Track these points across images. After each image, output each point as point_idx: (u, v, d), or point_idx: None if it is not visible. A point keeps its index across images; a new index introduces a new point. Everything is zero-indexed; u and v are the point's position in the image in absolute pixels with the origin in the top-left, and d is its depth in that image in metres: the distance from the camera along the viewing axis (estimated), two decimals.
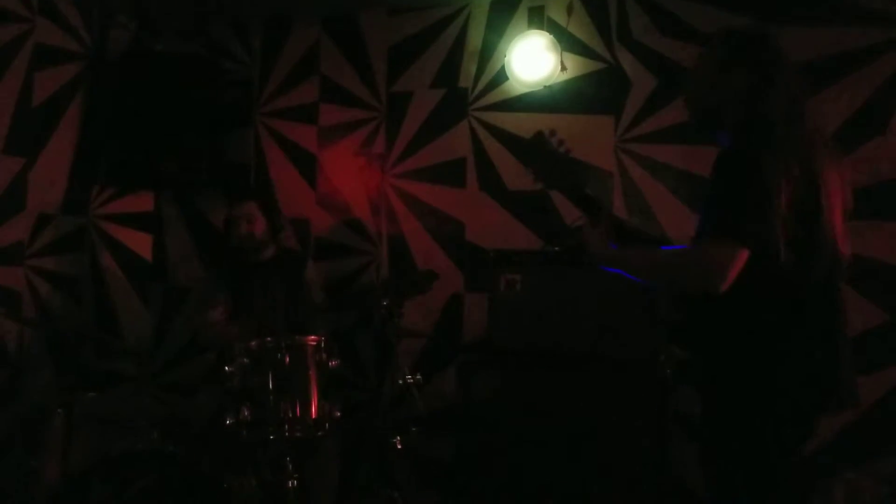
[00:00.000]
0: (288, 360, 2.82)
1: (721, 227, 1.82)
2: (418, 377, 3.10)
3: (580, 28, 3.71)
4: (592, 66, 3.69)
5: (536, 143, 2.18)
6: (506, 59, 3.71)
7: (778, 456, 1.93)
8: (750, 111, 1.95)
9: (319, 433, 2.83)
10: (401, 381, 3.09)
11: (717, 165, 1.89)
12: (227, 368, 2.81)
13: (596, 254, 2.08)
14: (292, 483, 2.79)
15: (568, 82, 3.69)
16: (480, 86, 3.89)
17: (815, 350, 1.92)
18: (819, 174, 1.91)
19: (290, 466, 2.79)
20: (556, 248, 3.29)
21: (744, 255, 1.79)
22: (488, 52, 3.88)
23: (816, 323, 1.93)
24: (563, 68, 3.65)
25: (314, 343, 2.91)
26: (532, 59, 3.65)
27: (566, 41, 3.68)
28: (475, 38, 3.91)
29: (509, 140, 3.80)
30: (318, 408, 2.82)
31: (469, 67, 3.91)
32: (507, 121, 3.82)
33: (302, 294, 3.58)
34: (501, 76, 3.81)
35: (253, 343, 2.85)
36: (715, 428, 2.01)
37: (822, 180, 1.91)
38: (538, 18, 3.75)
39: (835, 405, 1.98)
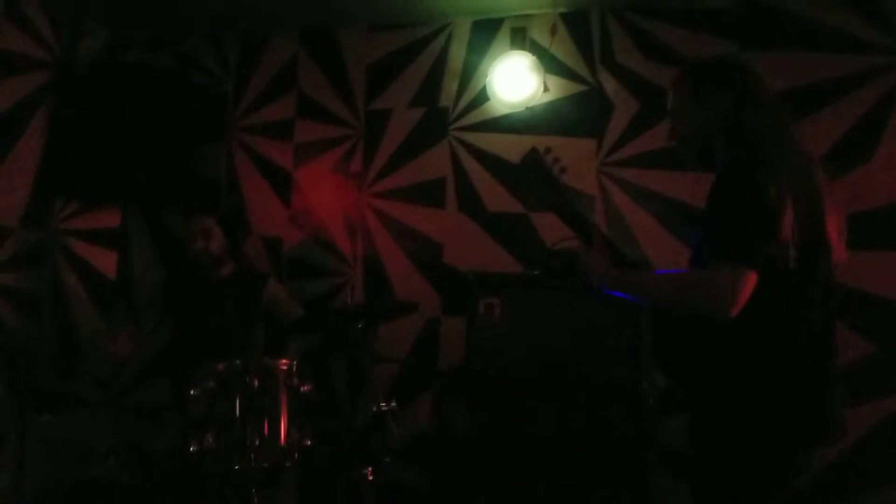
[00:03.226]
0: (257, 384, 2.69)
1: (729, 250, 1.75)
2: (393, 405, 2.98)
3: (563, 50, 3.66)
4: (575, 87, 3.64)
5: (531, 161, 2.09)
6: (487, 79, 3.65)
7: (770, 492, 1.86)
8: (739, 132, 1.90)
9: (287, 463, 2.69)
10: (375, 409, 2.97)
11: (715, 189, 1.83)
12: (191, 392, 2.67)
13: (602, 276, 1.98)
14: None
15: (550, 104, 3.64)
16: (461, 105, 3.82)
17: (808, 384, 1.85)
18: (821, 195, 1.86)
19: (257, 498, 2.64)
20: (536, 272, 3.21)
21: (753, 279, 1.72)
22: (469, 71, 3.82)
23: (810, 355, 1.87)
24: (546, 89, 3.60)
25: (286, 367, 2.79)
26: (514, 80, 3.59)
27: (548, 62, 3.63)
28: (456, 58, 3.85)
29: (490, 161, 3.74)
30: (287, 435, 2.69)
31: (450, 87, 3.84)
32: (488, 141, 3.75)
33: (258, 314, 3.44)
34: (483, 96, 3.74)
35: (220, 366, 2.71)
36: (705, 462, 1.94)
37: (823, 200, 1.87)
38: (521, 39, 3.70)
39: (827, 439, 1.93)
